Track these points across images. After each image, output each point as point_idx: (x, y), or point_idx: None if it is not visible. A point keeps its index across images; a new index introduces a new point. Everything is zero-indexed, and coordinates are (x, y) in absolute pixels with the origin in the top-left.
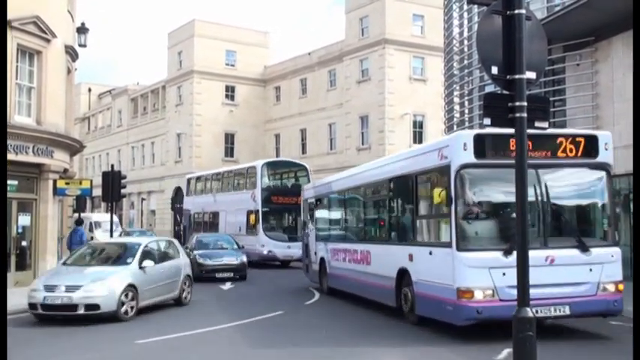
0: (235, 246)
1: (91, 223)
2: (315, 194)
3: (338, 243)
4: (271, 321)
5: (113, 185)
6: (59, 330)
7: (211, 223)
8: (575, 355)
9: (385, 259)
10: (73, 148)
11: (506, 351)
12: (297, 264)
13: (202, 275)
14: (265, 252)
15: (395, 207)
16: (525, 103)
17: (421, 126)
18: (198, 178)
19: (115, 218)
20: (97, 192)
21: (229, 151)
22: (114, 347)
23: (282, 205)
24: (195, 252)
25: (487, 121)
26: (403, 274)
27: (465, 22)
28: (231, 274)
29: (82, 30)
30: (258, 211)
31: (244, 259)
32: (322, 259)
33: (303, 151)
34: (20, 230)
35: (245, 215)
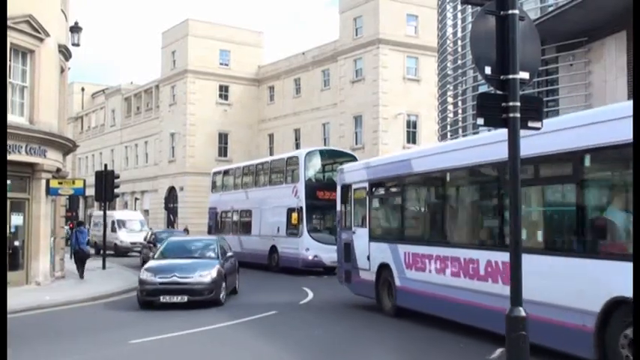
0: (213, 254)
1: (113, 222)
2: (371, 177)
3: (423, 245)
4: (266, 320)
5: (106, 185)
6: (52, 331)
7: (242, 224)
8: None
9: (561, 280)
10: (66, 147)
11: (500, 350)
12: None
13: (144, 299)
14: (310, 257)
15: (596, 195)
16: (519, 103)
17: (415, 126)
18: (225, 172)
19: (140, 216)
20: (90, 191)
21: (223, 151)
22: (108, 347)
23: (329, 202)
24: (148, 263)
25: (480, 121)
26: (614, 309)
27: (459, 22)
28: (185, 299)
29: (75, 29)
30: (301, 208)
31: (215, 274)
32: (383, 267)
33: None
34: (13, 230)
35: (284, 214)
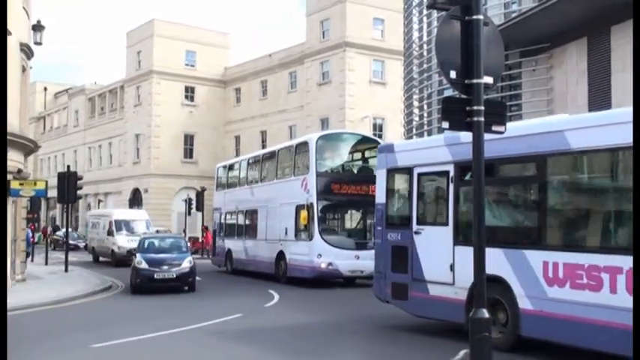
0: None
1: (110, 223)
2: (462, 157)
3: (596, 254)
4: (229, 324)
5: (69, 186)
6: (13, 336)
7: (247, 226)
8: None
9: None
10: (28, 148)
11: (463, 352)
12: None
13: None
14: (323, 265)
15: None
16: (483, 107)
17: (381, 129)
18: (230, 167)
19: (145, 215)
20: (53, 193)
21: (188, 153)
22: (69, 351)
23: (347, 197)
24: None
25: (445, 124)
26: None
27: (425, 26)
28: None
29: (37, 27)
30: (312, 205)
31: None
32: (499, 280)
33: None
34: None
35: (293, 213)
